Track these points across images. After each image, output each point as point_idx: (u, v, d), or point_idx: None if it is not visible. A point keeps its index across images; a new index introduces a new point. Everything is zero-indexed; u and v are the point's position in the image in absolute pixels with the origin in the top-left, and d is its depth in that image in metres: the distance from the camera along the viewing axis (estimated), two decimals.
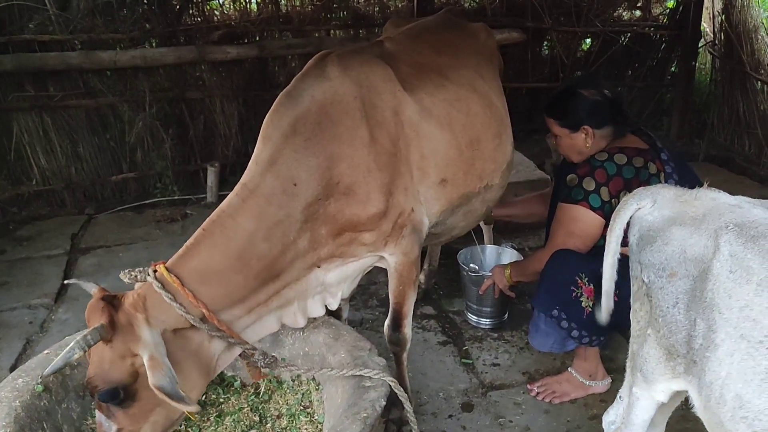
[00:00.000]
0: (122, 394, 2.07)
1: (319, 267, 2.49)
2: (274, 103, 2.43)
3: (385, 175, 2.46)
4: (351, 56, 2.64)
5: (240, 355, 2.42)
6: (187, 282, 2.16)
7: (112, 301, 2.13)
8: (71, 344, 1.97)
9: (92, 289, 2.24)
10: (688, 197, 1.86)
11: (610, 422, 2.15)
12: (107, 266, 4.46)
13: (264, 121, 2.41)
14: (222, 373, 2.77)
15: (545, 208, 3.63)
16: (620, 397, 2.12)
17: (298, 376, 2.70)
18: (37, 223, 5.22)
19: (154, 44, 5.54)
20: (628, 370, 2.04)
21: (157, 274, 2.17)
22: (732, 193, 1.86)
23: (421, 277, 4.01)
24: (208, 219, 2.29)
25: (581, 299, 2.83)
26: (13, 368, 3.28)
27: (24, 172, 5.40)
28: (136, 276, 2.26)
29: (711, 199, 1.82)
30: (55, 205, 5.52)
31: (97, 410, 2.15)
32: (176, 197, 5.63)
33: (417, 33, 3.08)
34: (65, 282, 2.51)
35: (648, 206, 1.90)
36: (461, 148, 2.74)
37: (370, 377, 2.37)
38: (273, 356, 2.43)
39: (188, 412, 2.15)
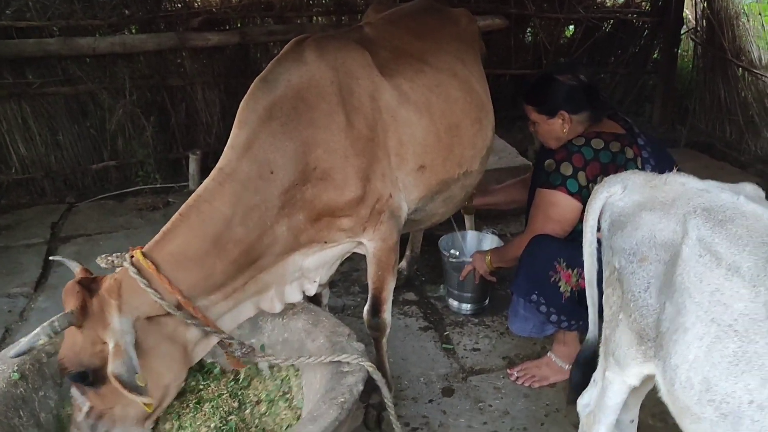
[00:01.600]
0: (91, 377, 2.08)
1: (297, 252, 2.48)
2: (251, 88, 2.42)
3: (362, 161, 2.46)
4: (328, 41, 2.62)
5: (218, 344, 2.42)
6: (163, 267, 2.15)
7: (89, 285, 2.14)
8: (38, 329, 1.98)
9: (75, 268, 2.26)
10: (657, 182, 1.87)
11: (584, 405, 2.17)
12: (87, 255, 4.40)
13: (240, 106, 2.40)
14: (202, 359, 2.76)
15: (525, 193, 3.63)
16: (594, 380, 2.14)
17: None
18: (16, 212, 5.16)
19: (133, 31, 5.48)
20: (601, 354, 2.06)
21: (133, 259, 2.16)
22: (715, 178, 1.87)
23: (403, 263, 4.01)
24: (184, 204, 2.28)
25: (559, 284, 2.84)
26: None
27: (3, 160, 5.33)
28: (113, 261, 2.26)
29: (680, 183, 1.83)
30: (35, 193, 5.46)
31: (72, 386, 2.17)
32: (158, 185, 5.59)
33: (397, 18, 3.07)
34: (51, 258, 2.50)
35: (618, 192, 1.91)
36: (440, 134, 2.74)
37: (348, 362, 2.37)
38: (250, 346, 2.43)
39: (143, 404, 2.14)
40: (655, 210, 1.78)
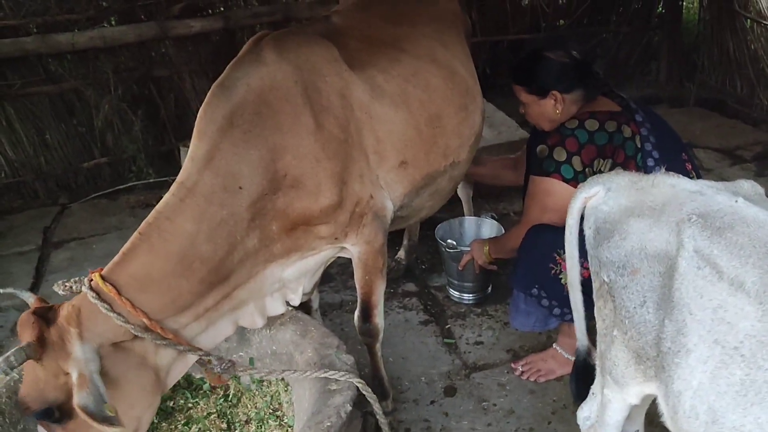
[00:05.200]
0: (57, 413, 1.95)
1: (273, 263, 2.34)
2: (207, 96, 2.25)
3: (335, 164, 2.29)
4: (288, 37, 2.44)
5: (197, 361, 2.30)
6: (125, 290, 2.00)
7: (46, 314, 2.00)
8: None
9: (29, 299, 2.12)
10: (644, 184, 1.70)
11: (585, 418, 2.02)
12: (80, 260, 4.33)
13: (198, 115, 2.23)
14: (190, 376, 2.66)
15: (512, 172, 3.48)
16: (593, 393, 1.99)
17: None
18: (7, 217, 5.05)
19: (113, 23, 5.29)
20: (597, 369, 1.91)
21: (92, 283, 2.02)
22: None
23: (401, 253, 3.87)
24: (144, 221, 2.12)
25: (560, 276, 2.69)
26: None
27: None
28: (71, 287, 2.13)
29: (670, 186, 1.65)
30: (27, 196, 5.35)
31: (38, 424, 2.04)
32: (152, 180, 5.46)
33: (369, 4, 2.87)
34: (0, 291, 2.38)
35: (601, 194, 1.73)
36: (420, 126, 2.56)
37: (336, 380, 2.25)
38: (229, 360, 2.30)
39: None
40: (643, 217, 1.60)
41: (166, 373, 2.18)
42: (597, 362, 1.90)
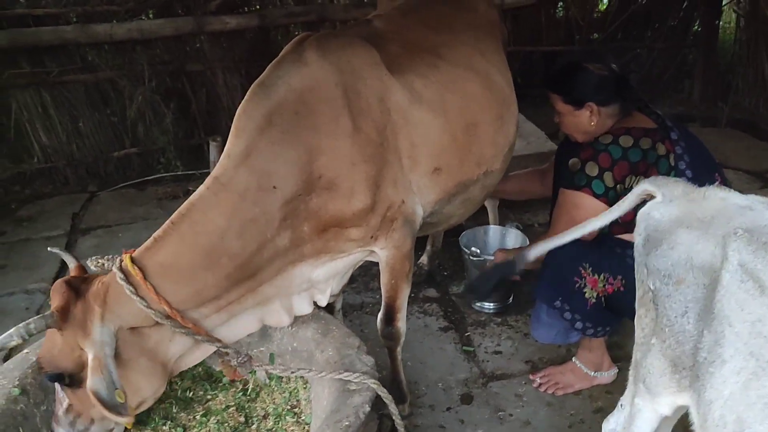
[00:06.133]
0: (67, 380, 2.04)
1: (303, 263, 2.36)
2: (247, 94, 2.27)
3: (370, 167, 2.30)
4: (331, 39, 2.46)
5: (215, 353, 2.33)
6: (151, 276, 2.05)
7: (78, 286, 2.07)
8: (12, 329, 1.93)
9: (72, 263, 2.21)
10: (696, 195, 1.69)
11: (611, 431, 2.01)
12: (106, 247, 4.38)
13: (237, 113, 2.25)
14: (210, 368, 2.69)
15: (539, 185, 3.48)
16: (621, 405, 1.98)
17: None
18: (38, 202, 5.15)
19: (151, 16, 5.37)
20: (630, 378, 1.90)
21: (122, 264, 2.07)
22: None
23: (424, 258, 3.87)
24: (176, 211, 2.16)
25: (584, 290, 2.68)
26: (7, 358, 3.23)
27: (25, 149, 5.34)
28: (103, 264, 2.20)
29: (720, 199, 1.65)
30: (58, 182, 5.45)
31: None
32: (179, 172, 5.53)
33: (410, 9, 2.88)
34: (50, 250, 2.46)
35: (658, 198, 1.74)
36: (456, 134, 2.56)
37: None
38: (247, 354, 2.33)
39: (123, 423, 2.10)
40: (692, 228, 1.60)
41: (179, 359, 2.24)
42: (630, 371, 1.89)
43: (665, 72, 6.70)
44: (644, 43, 6.65)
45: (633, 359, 1.89)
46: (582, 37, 6.44)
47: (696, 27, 6.65)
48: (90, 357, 1.99)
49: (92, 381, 1.94)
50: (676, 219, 1.67)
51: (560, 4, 6.53)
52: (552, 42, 6.48)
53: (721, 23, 6.52)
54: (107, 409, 1.93)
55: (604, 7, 6.65)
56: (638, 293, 1.81)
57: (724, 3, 6.39)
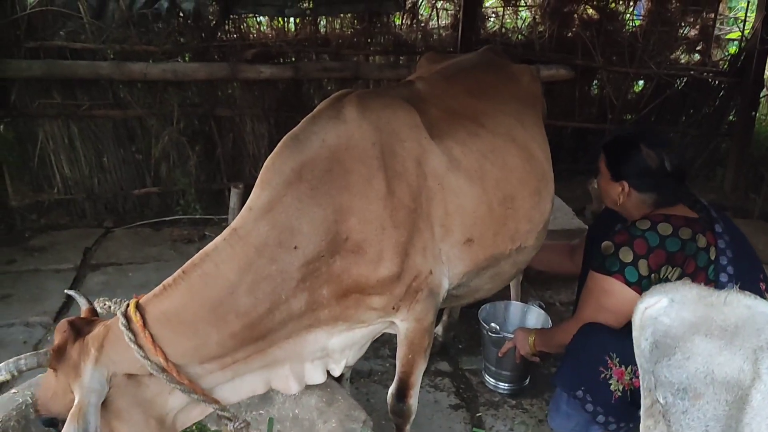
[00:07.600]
0: (60, 426, 1.88)
1: (319, 329, 2.22)
2: (278, 146, 2.16)
3: (401, 233, 2.18)
4: (372, 97, 2.37)
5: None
6: (151, 324, 1.94)
7: (82, 327, 1.98)
8: (2, 364, 1.85)
9: (83, 306, 2.14)
10: (715, 300, 1.54)
11: None
12: (114, 286, 4.28)
13: (265, 164, 2.14)
14: (205, 426, 2.53)
15: (569, 260, 3.36)
16: None
17: None
18: (53, 232, 5.09)
19: (186, 59, 5.39)
20: None
21: (127, 309, 1.97)
22: None
23: (439, 328, 3.71)
24: (190, 260, 2.05)
25: (610, 381, 2.51)
26: None
27: (46, 179, 5.29)
28: (109, 307, 2.13)
29: (746, 306, 1.50)
30: (74, 215, 5.40)
31: None
32: (197, 216, 5.46)
33: (452, 73, 2.81)
34: (66, 291, 2.38)
35: (663, 304, 1.58)
36: (492, 205, 2.45)
37: None
38: (245, 420, 2.18)
39: None
40: (712, 337, 1.45)
41: (178, 415, 2.09)
42: None
43: (697, 158, 6.59)
44: (677, 128, 6.57)
45: None
46: (615, 117, 6.37)
47: (731, 116, 6.58)
48: (75, 401, 1.87)
49: (66, 428, 1.80)
50: (691, 325, 1.53)
51: (595, 82, 6.49)
52: (584, 119, 6.43)
53: (757, 114, 6.44)
54: None
55: (639, 89, 6.60)
56: (644, 402, 1.66)
57: (762, 95, 6.33)
